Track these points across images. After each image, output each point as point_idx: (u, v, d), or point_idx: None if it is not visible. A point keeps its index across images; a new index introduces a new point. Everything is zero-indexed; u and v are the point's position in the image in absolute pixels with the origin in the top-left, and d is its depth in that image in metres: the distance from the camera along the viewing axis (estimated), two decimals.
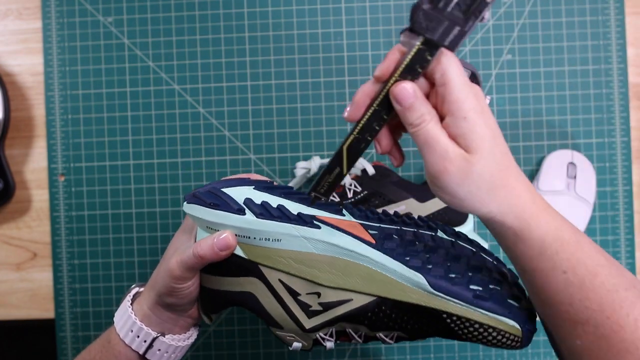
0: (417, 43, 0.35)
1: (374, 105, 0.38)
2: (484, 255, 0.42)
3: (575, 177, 0.63)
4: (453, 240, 0.43)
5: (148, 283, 0.47)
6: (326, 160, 0.64)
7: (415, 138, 0.37)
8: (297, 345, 0.44)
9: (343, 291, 0.41)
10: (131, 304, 0.47)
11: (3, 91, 0.65)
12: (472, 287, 0.39)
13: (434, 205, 0.59)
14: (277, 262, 0.41)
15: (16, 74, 0.67)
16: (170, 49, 0.66)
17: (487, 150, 0.36)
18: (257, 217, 0.40)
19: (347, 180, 0.61)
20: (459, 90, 0.35)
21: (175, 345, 0.46)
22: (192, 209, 0.42)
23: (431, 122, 0.36)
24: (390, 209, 0.60)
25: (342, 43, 0.66)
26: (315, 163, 0.63)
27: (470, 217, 0.61)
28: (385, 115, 0.38)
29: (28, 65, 0.67)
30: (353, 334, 0.43)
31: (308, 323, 0.42)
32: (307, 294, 0.41)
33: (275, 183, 0.45)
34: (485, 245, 0.59)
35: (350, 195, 0.61)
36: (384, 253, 0.40)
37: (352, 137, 0.39)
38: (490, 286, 0.39)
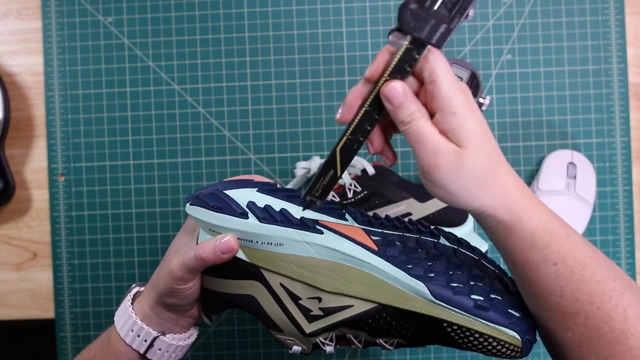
0: (405, 42, 0.36)
1: (365, 105, 0.38)
2: (485, 263, 0.43)
3: (575, 177, 0.63)
4: (455, 247, 0.43)
5: (149, 283, 0.47)
6: None
7: (406, 136, 0.37)
8: (296, 348, 0.44)
9: (344, 297, 0.40)
10: (132, 304, 0.47)
11: (3, 91, 0.65)
12: (473, 296, 0.38)
13: (434, 205, 0.59)
14: (279, 266, 0.41)
15: (16, 74, 0.67)
16: (170, 49, 0.66)
17: (477, 145, 0.36)
18: (259, 221, 0.40)
19: (347, 180, 0.61)
20: (447, 87, 0.36)
21: (176, 344, 0.46)
22: (195, 211, 0.42)
23: (422, 119, 0.36)
24: (391, 209, 0.60)
25: (342, 43, 0.66)
26: (315, 163, 0.63)
27: (470, 217, 0.61)
28: (377, 115, 0.38)
29: (28, 65, 0.67)
30: (353, 339, 0.43)
31: (308, 327, 0.42)
32: (308, 298, 0.41)
33: (278, 185, 0.45)
34: (486, 246, 0.59)
35: (350, 195, 0.61)
36: (386, 260, 0.40)
37: (344, 139, 0.39)
38: (492, 295, 0.39)
